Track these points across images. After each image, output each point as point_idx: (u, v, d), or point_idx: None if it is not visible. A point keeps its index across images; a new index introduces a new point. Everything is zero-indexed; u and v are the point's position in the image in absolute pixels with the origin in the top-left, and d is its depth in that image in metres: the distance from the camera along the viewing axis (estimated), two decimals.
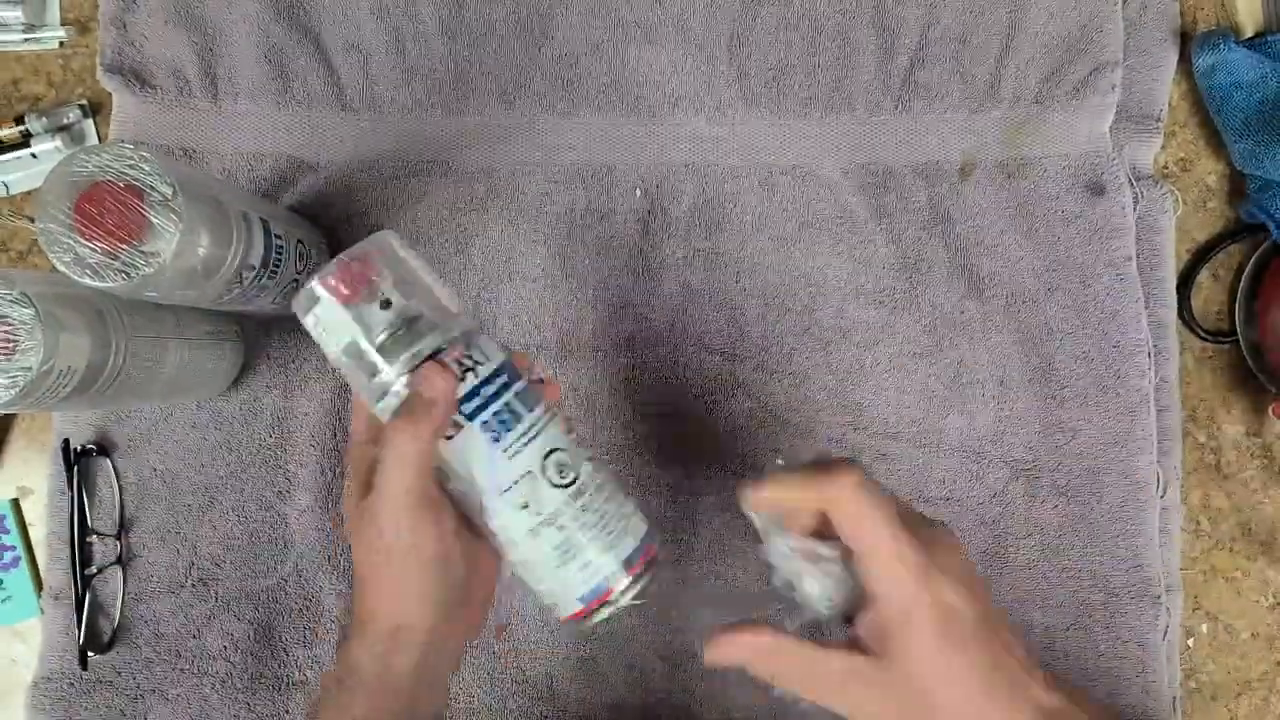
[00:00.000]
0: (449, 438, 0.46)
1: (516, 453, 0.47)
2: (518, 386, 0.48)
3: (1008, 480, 0.69)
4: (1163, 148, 0.73)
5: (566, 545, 0.47)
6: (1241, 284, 0.72)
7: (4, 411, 0.52)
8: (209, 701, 0.67)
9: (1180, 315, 0.72)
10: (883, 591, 0.43)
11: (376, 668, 0.46)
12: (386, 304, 0.46)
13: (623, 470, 0.69)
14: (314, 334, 0.47)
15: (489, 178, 0.70)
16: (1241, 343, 0.71)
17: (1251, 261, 0.72)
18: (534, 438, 0.47)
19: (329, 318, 0.46)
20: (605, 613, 0.48)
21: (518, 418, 0.47)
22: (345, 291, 0.45)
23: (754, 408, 0.69)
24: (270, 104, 0.70)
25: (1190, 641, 0.71)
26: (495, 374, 0.47)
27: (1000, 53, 0.71)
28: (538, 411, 0.48)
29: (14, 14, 0.71)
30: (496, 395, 0.47)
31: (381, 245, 0.47)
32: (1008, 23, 0.71)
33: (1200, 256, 0.73)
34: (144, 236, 0.50)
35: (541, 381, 0.50)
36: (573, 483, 0.48)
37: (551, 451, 0.48)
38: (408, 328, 0.46)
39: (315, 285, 0.45)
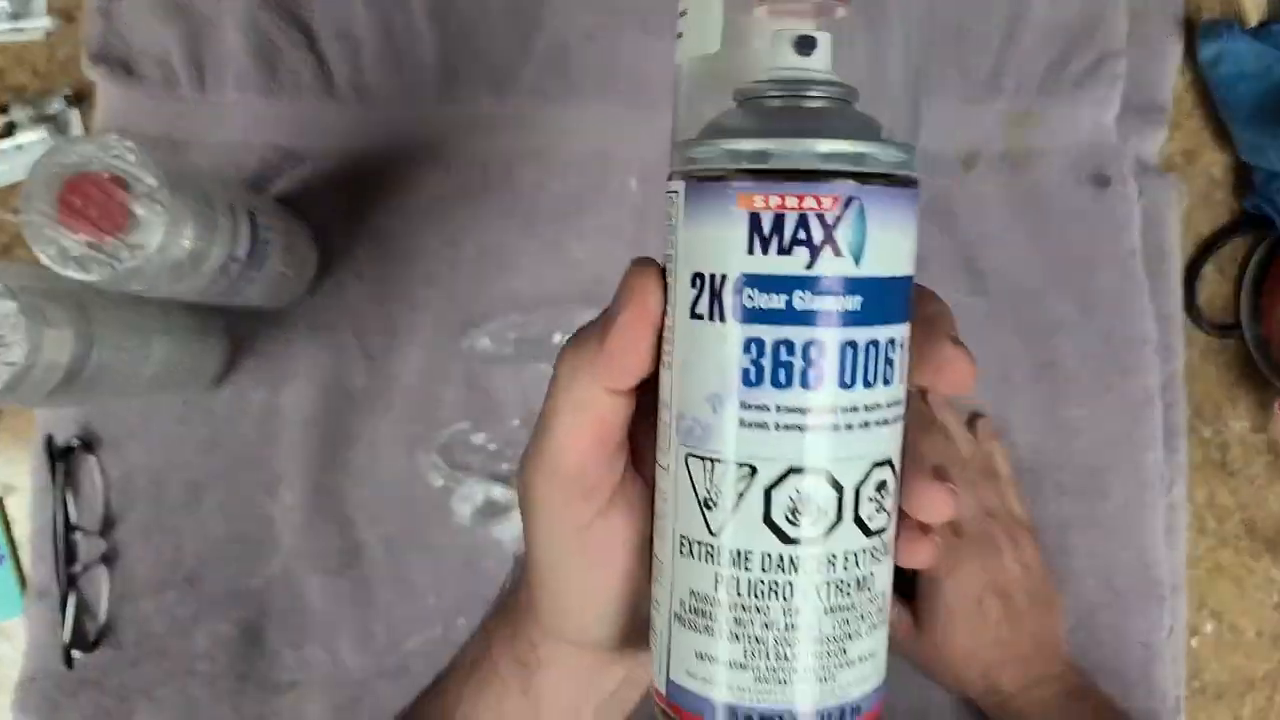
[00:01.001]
0: None
1: None
2: None
3: None
4: (1168, 139, 0.72)
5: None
6: (1247, 277, 0.71)
7: None
8: (195, 703, 0.66)
9: (1185, 309, 0.71)
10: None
11: None
12: None
13: None
14: None
15: (481, 168, 0.69)
16: (1247, 337, 0.70)
17: (1257, 254, 0.71)
18: None
19: None
20: None
21: None
22: None
23: None
24: (258, 94, 0.68)
25: (1194, 641, 0.70)
26: None
27: (1002, 43, 0.70)
28: None
29: None
30: None
31: None
32: (1009, 12, 0.70)
33: (1205, 249, 0.72)
34: (129, 228, 0.50)
35: None
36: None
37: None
38: None
39: None
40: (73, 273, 0.49)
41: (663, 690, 0.32)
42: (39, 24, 0.71)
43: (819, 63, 0.30)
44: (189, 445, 0.68)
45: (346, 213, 0.69)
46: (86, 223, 0.49)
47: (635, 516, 0.34)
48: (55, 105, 0.70)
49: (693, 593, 0.31)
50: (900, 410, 0.31)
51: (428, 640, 0.67)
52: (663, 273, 0.31)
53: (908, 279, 0.30)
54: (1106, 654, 0.67)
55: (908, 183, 0.30)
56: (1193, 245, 0.72)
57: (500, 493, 0.67)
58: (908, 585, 0.65)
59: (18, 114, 0.69)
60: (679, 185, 0.30)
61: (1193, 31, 0.71)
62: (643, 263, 0.31)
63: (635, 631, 0.35)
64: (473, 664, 0.41)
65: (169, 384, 0.63)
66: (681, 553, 0.31)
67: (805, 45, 0.30)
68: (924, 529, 0.32)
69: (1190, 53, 0.72)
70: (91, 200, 0.49)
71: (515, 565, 0.39)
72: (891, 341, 0.29)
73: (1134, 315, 0.68)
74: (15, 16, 0.70)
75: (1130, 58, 0.70)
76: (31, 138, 0.68)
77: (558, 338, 0.68)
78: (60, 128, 0.70)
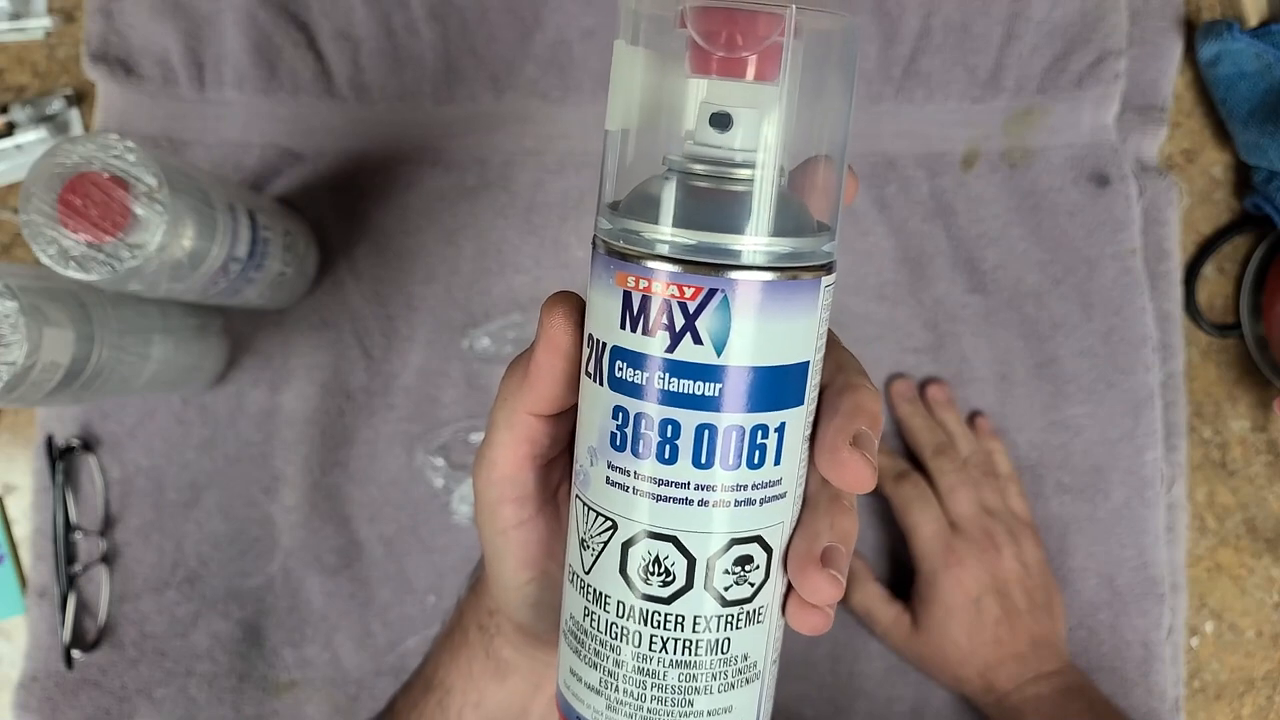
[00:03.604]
0: None
1: None
2: None
3: None
4: (1168, 139, 0.72)
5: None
6: (1247, 277, 0.71)
7: None
8: (195, 703, 0.66)
9: (1185, 309, 0.71)
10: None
11: None
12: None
13: None
14: None
15: (480, 167, 0.69)
16: (1247, 336, 0.70)
17: (1257, 254, 0.71)
18: None
19: None
20: None
21: None
22: None
23: None
24: (257, 93, 0.68)
25: (1194, 640, 0.70)
26: None
27: (1003, 41, 0.70)
28: None
29: None
30: None
31: None
32: (1010, 11, 0.70)
33: (1205, 249, 0.72)
34: (129, 228, 0.49)
35: None
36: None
37: None
38: None
39: None
40: (73, 273, 0.49)
41: (555, 693, 0.35)
42: (39, 24, 0.70)
43: (736, 140, 0.29)
44: (188, 445, 0.67)
45: (346, 212, 0.69)
46: (86, 223, 0.49)
47: (559, 527, 0.36)
48: (55, 105, 0.70)
49: (571, 617, 0.33)
50: (779, 490, 0.30)
51: (427, 639, 0.66)
52: (579, 308, 0.32)
53: (792, 367, 0.30)
54: (1106, 653, 0.67)
55: (800, 272, 0.29)
56: (1193, 245, 0.72)
57: None
58: (907, 585, 0.65)
59: (18, 114, 0.68)
60: (590, 249, 0.31)
61: (1193, 31, 0.71)
62: (556, 298, 0.32)
63: None
64: (448, 633, 0.44)
65: (169, 384, 0.63)
66: (568, 580, 0.33)
67: (720, 122, 0.29)
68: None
69: (1190, 53, 0.72)
70: (91, 200, 0.49)
71: None
72: (763, 428, 0.29)
73: (1134, 315, 0.68)
74: (15, 16, 0.70)
75: (1130, 58, 0.70)
76: (31, 138, 0.68)
77: None
78: (60, 128, 0.70)
